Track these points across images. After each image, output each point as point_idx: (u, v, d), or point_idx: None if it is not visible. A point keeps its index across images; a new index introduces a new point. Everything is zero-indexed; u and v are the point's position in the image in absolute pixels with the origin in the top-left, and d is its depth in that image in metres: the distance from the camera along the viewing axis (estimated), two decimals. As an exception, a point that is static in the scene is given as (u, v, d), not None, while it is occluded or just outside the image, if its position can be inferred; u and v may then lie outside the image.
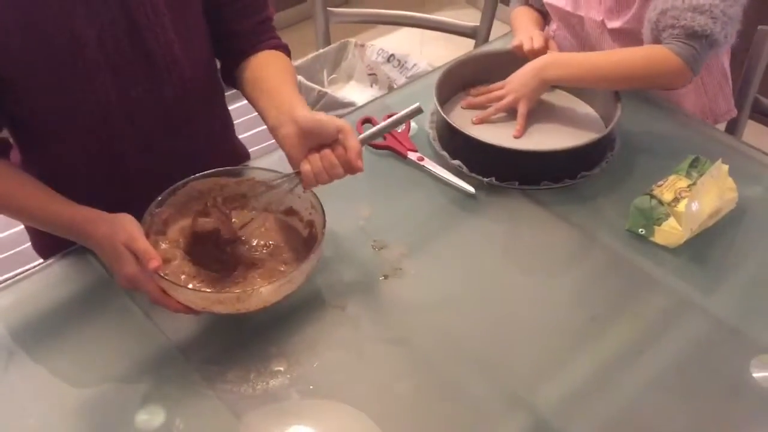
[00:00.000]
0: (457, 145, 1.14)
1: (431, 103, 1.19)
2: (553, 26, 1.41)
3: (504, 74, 1.27)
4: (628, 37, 1.26)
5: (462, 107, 1.24)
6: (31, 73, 0.91)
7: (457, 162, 1.13)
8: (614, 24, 1.25)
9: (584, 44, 1.35)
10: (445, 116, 1.13)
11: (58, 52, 0.90)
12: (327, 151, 0.87)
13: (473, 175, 1.12)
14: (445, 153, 1.15)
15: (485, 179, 1.11)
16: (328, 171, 0.86)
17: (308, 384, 0.85)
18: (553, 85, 1.21)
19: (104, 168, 1.04)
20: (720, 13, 1.09)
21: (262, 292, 0.84)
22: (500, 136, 1.14)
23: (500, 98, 1.19)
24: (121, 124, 1.00)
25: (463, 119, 1.21)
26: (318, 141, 0.87)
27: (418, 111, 0.89)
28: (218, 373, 0.86)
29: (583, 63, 1.17)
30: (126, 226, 0.85)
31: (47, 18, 0.88)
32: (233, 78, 1.08)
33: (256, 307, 0.85)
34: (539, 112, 1.22)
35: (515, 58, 1.24)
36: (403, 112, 0.89)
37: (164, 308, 0.85)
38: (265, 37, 1.07)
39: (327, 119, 0.87)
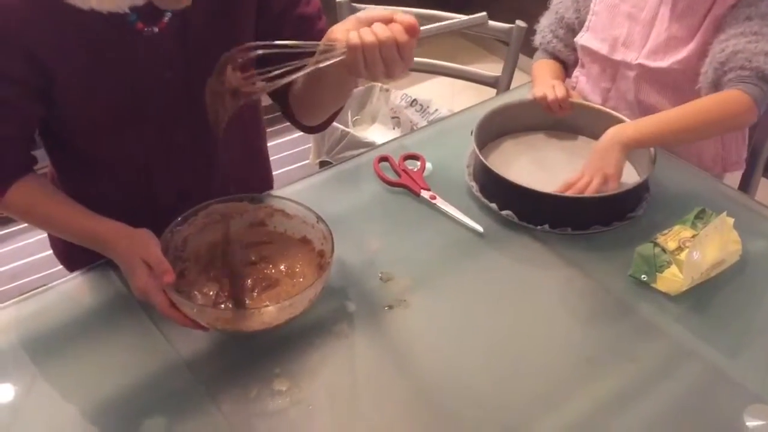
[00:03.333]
0: (505, 195, 1.14)
1: (463, 152, 1.23)
2: (576, 72, 1.45)
3: (531, 123, 1.31)
4: (663, 80, 1.28)
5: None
6: (89, 110, 0.95)
7: (507, 212, 1.14)
8: (660, 64, 1.27)
9: (610, 90, 1.38)
10: (492, 168, 1.13)
11: (118, 100, 0.95)
12: (377, 23, 0.80)
13: (523, 223, 1.13)
14: (493, 205, 1.15)
15: (538, 227, 1.12)
16: (376, 33, 0.77)
17: (308, 405, 0.88)
18: (632, 148, 1.13)
19: (136, 201, 1.07)
20: None
21: (263, 313, 0.87)
22: (546, 183, 1.14)
23: (587, 185, 1.12)
24: (161, 167, 1.05)
25: (503, 166, 1.21)
26: (371, 22, 0.81)
27: (484, 20, 0.87)
28: (222, 389, 0.89)
29: (654, 120, 1.16)
30: (144, 240, 0.90)
31: (110, 65, 0.92)
32: None
33: (258, 327, 0.88)
34: (566, 159, 1.26)
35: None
36: (468, 18, 0.87)
37: (173, 321, 0.89)
38: None
39: None
